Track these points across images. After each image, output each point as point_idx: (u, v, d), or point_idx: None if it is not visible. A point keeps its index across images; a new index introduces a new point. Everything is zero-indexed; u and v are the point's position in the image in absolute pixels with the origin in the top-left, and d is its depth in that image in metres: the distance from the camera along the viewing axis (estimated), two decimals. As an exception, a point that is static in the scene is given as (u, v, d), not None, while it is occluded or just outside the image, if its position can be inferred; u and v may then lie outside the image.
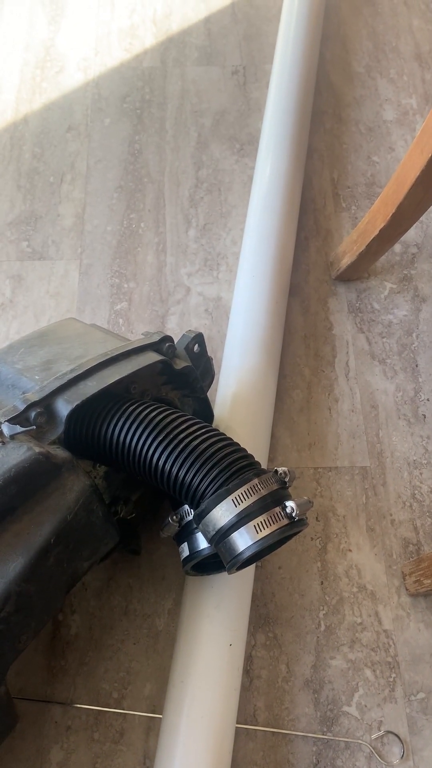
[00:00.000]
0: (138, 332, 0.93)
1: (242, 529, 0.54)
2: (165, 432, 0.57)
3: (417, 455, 0.85)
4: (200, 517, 0.56)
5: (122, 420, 0.58)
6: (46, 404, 0.57)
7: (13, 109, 1.13)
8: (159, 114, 1.13)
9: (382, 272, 0.99)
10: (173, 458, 0.56)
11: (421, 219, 0.88)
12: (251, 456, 0.59)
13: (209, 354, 0.72)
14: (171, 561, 0.78)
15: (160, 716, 0.68)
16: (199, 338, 0.69)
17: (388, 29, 1.24)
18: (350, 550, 0.79)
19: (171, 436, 0.57)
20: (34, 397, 0.56)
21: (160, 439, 0.57)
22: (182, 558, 0.64)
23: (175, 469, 0.57)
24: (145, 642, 0.74)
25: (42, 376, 0.60)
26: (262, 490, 0.55)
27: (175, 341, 0.67)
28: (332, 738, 0.70)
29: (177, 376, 0.67)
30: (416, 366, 0.91)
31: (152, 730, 0.70)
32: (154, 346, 0.65)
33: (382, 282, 0.98)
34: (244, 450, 0.59)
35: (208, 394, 0.73)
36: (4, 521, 0.51)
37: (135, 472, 0.59)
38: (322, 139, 1.11)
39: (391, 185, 0.78)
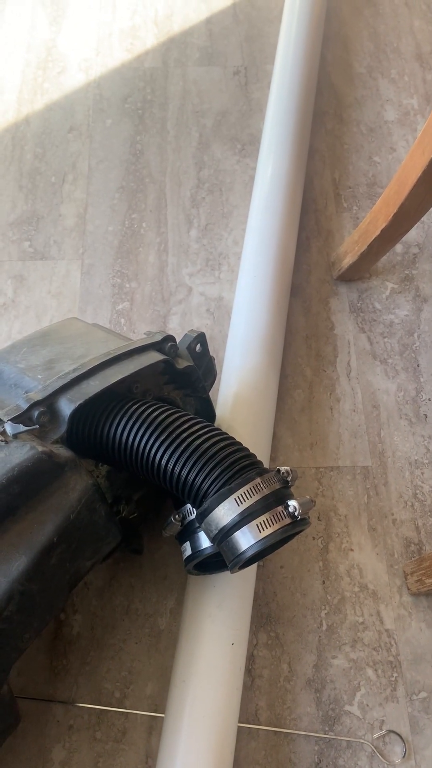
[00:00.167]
0: (140, 332, 0.93)
1: (245, 528, 0.54)
2: (167, 431, 0.57)
3: (418, 455, 0.85)
4: (203, 516, 0.56)
5: (125, 419, 0.58)
6: (48, 403, 0.57)
7: (14, 110, 1.14)
8: (160, 114, 1.13)
9: (384, 272, 0.99)
10: (176, 457, 0.57)
11: (422, 219, 0.88)
12: (253, 455, 0.59)
13: (211, 354, 0.73)
14: (173, 560, 0.78)
15: (162, 715, 0.68)
16: (201, 338, 0.69)
17: (389, 30, 1.24)
18: (352, 550, 0.80)
19: (173, 435, 0.57)
20: (37, 396, 0.56)
21: (162, 438, 0.57)
22: (184, 557, 0.64)
23: (177, 468, 0.57)
24: (147, 641, 0.74)
25: (44, 375, 0.60)
26: (264, 490, 0.55)
27: (177, 341, 0.67)
28: (334, 737, 0.70)
29: (179, 375, 0.67)
30: (418, 366, 0.92)
31: (154, 729, 0.70)
32: (156, 346, 0.65)
33: (384, 282, 0.98)
34: (246, 449, 0.59)
35: (210, 393, 0.73)
36: (6, 520, 0.51)
37: (137, 472, 0.59)
38: (324, 140, 1.11)
39: (393, 185, 0.78)
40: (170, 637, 0.74)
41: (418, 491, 0.83)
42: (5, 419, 0.55)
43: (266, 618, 0.76)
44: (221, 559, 0.60)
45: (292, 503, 0.56)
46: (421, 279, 0.98)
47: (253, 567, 0.72)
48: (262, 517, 0.54)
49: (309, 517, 0.58)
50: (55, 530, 0.53)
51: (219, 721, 0.63)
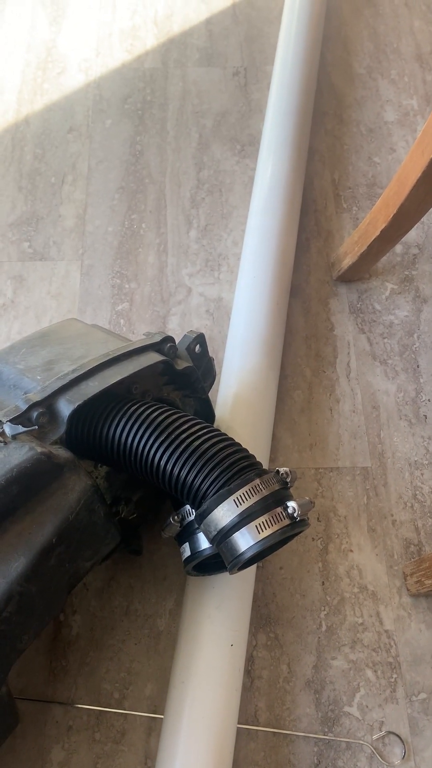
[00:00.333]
0: (139, 333, 0.93)
1: (244, 530, 0.54)
2: (166, 432, 0.57)
3: (418, 456, 0.85)
4: (202, 517, 0.56)
5: (124, 420, 0.58)
6: (48, 404, 0.57)
7: (14, 110, 1.14)
8: (160, 115, 1.13)
9: (383, 273, 0.99)
10: (175, 458, 0.57)
11: (422, 220, 0.88)
12: (253, 456, 0.59)
13: (210, 354, 0.72)
14: (172, 561, 0.78)
15: (162, 716, 0.68)
16: (200, 339, 0.69)
17: (389, 30, 1.24)
18: (351, 551, 0.80)
19: (172, 436, 0.57)
20: (36, 397, 0.56)
21: (161, 439, 0.57)
22: (183, 558, 0.64)
23: (176, 470, 0.57)
24: (147, 642, 0.74)
25: (44, 376, 0.60)
26: (263, 491, 0.55)
27: (177, 342, 0.67)
28: (333, 738, 0.70)
29: (178, 376, 0.67)
30: (417, 367, 0.92)
31: (153, 730, 0.70)
32: (155, 347, 0.65)
33: (384, 283, 0.98)
34: (245, 450, 0.59)
35: (210, 394, 0.73)
36: (5, 521, 0.51)
37: (136, 473, 0.59)
38: (323, 140, 1.11)
39: (393, 186, 0.78)
40: (169, 638, 0.74)
41: (417, 492, 0.83)
42: (4, 420, 0.55)
43: (265, 619, 0.76)
44: (220, 560, 0.60)
45: (292, 504, 0.56)
46: (420, 280, 0.98)
47: (253, 568, 0.72)
48: (261, 518, 0.54)
49: (308, 518, 0.58)
50: (54, 531, 0.53)
51: (218, 722, 0.63)
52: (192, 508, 0.60)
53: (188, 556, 0.63)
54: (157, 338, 0.65)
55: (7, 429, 0.54)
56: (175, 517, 0.62)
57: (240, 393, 0.79)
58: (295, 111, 1.01)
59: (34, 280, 0.98)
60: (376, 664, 0.74)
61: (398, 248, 1.01)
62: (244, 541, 0.54)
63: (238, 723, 0.69)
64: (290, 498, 0.57)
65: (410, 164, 0.73)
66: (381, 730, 0.71)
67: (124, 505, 0.66)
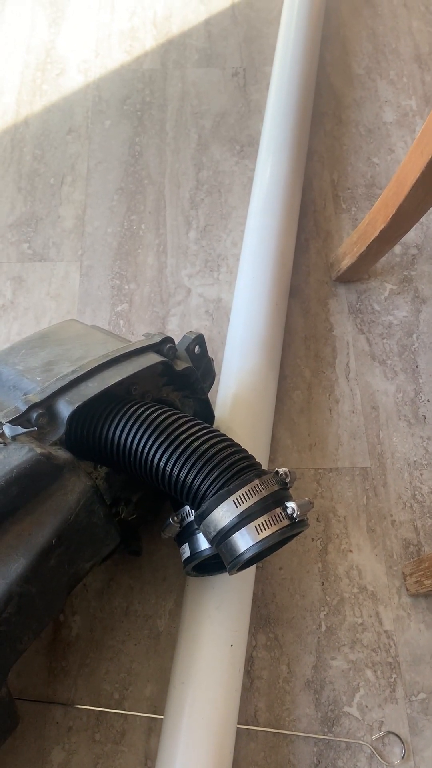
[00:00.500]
0: (139, 333, 0.93)
1: (243, 530, 0.54)
2: (166, 433, 0.57)
3: (417, 456, 0.85)
4: (201, 517, 0.56)
5: (123, 421, 0.58)
6: (47, 405, 0.57)
7: (13, 111, 1.14)
8: (159, 116, 1.13)
9: (383, 273, 0.99)
10: (174, 459, 0.57)
11: (421, 220, 0.88)
12: (252, 457, 0.60)
13: (210, 355, 0.73)
14: (172, 562, 0.78)
15: (161, 717, 0.68)
16: (199, 339, 0.69)
17: (387, 31, 1.24)
18: (351, 551, 0.80)
19: (172, 437, 0.57)
20: (36, 398, 0.56)
21: (161, 440, 0.57)
22: (183, 559, 0.64)
23: (176, 470, 0.57)
24: (146, 643, 0.74)
25: (43, 377, 0.60)
26: (263, 491, 0.55)
27: (176, 342, 0.68)
28: (333, 738, 0.70)
29: (178, 377, 0.67)
30: (416, 367, 0.92)
31: (153, 731, 0.70)
32: (155, 348, 0.65)
33: (383, 283, 0.98)
34: (244, 451, 0.60)
35: (209, 395, 0.73)
36: (5, 522, 0.51)
37: (136, 473, 0.59)
38: (322, 141, 1.11)
39: (391, 187, 0.78)
40: (169, 639, 0.74)
41: (417, 492, 0.83)
42: (4, 421, 0.55)
43: (265, 619, 0.76)
44: (220, 560, 0.60)
45: (291, 505, 0.56)
46: (419, 280, 0.98)
47: (252, 568, 0.72)
48: (261, 519, 0.54)
49: (307, 518, 0.58)
50: (54, 532, 0.53)
51: (218, 722, 0.63)
52: (191, 508, 0.60)
53: (188, 557, 0.63)
54: (157, 339, 0.65)
55: (7, 430, 0.54)
56: (175, 518, 0.62)
57: (239, 393, 0.79)
58: (294, 112, 1.01)
59: (33, 281, 0.98)
60: (376, 664, 0.74)
61: (397, 249, 1.01)
62: (244, 541, 0.54)
63: (238, 723, 0.69)
64: (289, 498, 0.57)
65: (409, 165, 0.73)
66: (381, 730, 0.71)
67: (123, 505, 0.66)
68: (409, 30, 1.24)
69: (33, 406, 0.56)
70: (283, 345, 0.89)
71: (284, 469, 0.58)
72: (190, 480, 0.56)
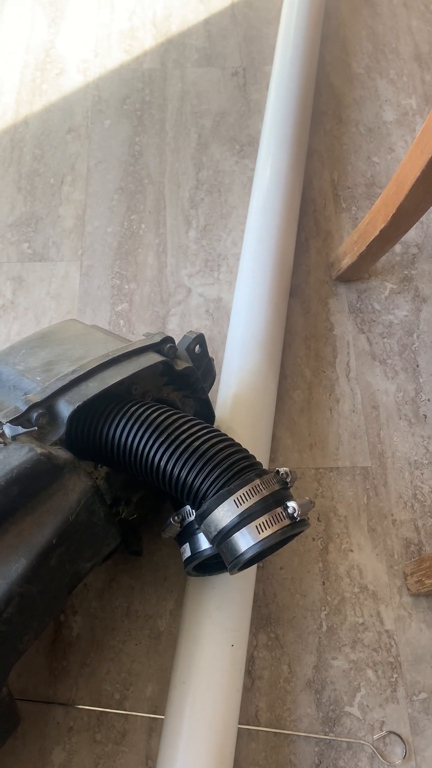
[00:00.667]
0: (139, 333, 0.93)
1: (244, 530, 0.54)
2: (166, 433, 0.57)
3: (418, 455, 0.85)
4: (202, 517, 0.56)
5: (124, 421, 0.58)
6: (47, 405, 0.57)
7: (13, 111, 1.14)
8: (159, 115, 1.13)
9: (383, 273, 0.99)
10: (175, 459, 0.57)
11: (421, 219, 0.88)
12: (252, 456, 0.59)
13: (210, 355, 0.72)
14: (172, 562, 0.78)
15: (162, 717, 0.68)
16: (200, 339, 0.69)
17: (387, 30, 1.24)
18: (352, 551, 0.80)
19: (172, 436, 0.57)
20: (36, 398, 0.56)
21: (161, 440, 0.57)
22: (184, 559, 0.64)
23: (176, 470, 0.57)
24: (147, 643, 0.74)
25: (43, 377, 0.60)
26: (263, 491, 0.55)
27: (176, 342, 0.67)
28: (334, 738, 0.70)
29: (178, 376, 0.67)
30: (417, 366, 0.92)
31: (154, 731, 0.70)
32: (155, 347, 0.65)
33: (383, 282, 0.98)
34: (245, 450, 0.59)
35: (209, 394, 0.73)
36: (5, 522, 0.51)
37: (136, 473, 0.59)
38: (322, 140, 1.11)
39: (392, 186, 0.78)
40: (170, 639, 0.74)
41: (417, 492, 0.83)
42: (4, 421, 0.55)
43: (266, 619, 0.76)
44: (221, 560, 0.60)
45: (292, 504, 0.56)
46: (420, 279, 0.98)
47: (253, 568, 0.72)
48: (262, 519, 0.54)
49: (308, 518, 0.58)
50: (54, 532, 0.53)
51: (219, 722, 0.63)
52: (192, 508, 0.60)
53: (188, 557, 0.63)
54: (157, 339, 0.65)
55: (7, 430, 0.54)
56: (176, 518, 0.62)
57: (240, 393, 0.79)
58: (294, 111, 1.01)
59: (33, 281, 0.98)
60: (377, 663, 0.74)
61: (397, 248, 1.01)
62: (245, 541, 0.54)
63: (239, 723, 0.69)
64: (290, 498, 0.57)
65: (409, 164, 0.73)
66: (382, 730, 0.71)
67: (124, 505, 0.66)
68: (409, 29, 1.24)
69: (33, 406, 0.56)
70: (283, 344, 0.89)
71: (285, 468, 0.58)
72: (191, 480, 0.56)
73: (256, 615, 0.75)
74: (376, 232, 0.83)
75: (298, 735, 0.70)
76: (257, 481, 0.55)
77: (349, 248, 0.92)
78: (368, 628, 0.75)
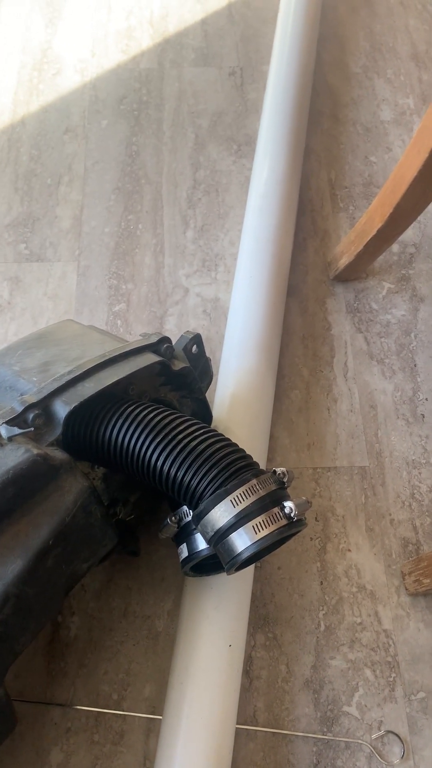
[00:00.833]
0: (136, 333, 0.93)
1: (241, 530, 0.54)
2: (163, 433, 0.57)
3: (416, 455, 0.85)
4: (199, 517, 0.56)
5: (120, 421, 0.58)
6: (44, 406, 0.57)
7: (10, 111, 1.14)
8: (156, 115, 1.13)
9: (380, 272, 0.99)
10: (171, 459, 0.56)
11: (418, 219, 0.88)
12: (249, 456, 0.59)
13: (207, 355, 0.72)
14: (170, 562, 0.78)
15: (160, 717, 0.68)
16: (197, 339, 0.69)
17: (384, 29, 1.24)
18: (349, 550, 0.79)
19: (169, 437, 0.57)
20: (32, 398, 0.56)
21: (158, 440, 0.57)
22: (181, 559, 0.64)
23: (173, 470, 0.56)
24: (145, 643, 0.74)
25: (40, 377, 0.60)
26: (260, 491, 0.55)
27: (174, 342, 0.67)
28: (332, 738, 0.70)
29: (175, 377, 0.67)
30: (414, 366, 0.92)
31: (152, 731, 0.70)
32: (152, 348, 0.65)
33: (380, 282, 0.98)
34: (242, 450, 0.59)
35: (207, 395, 0.73)
36: (2, 523, 0.51)
37: (133, 474, 0.59)
38: (320, 140, 1.11)
39: (389, 185, 0.78)
40: (168, 639, 0.74)
41: (415, 491, 0.83)
42: (0, 422, 0.54)
43: (264, 619, 0.75)
44: (218, 560, 0.60)
45: (288, 504, 0.55)
46: (417, 279, 0.98)
47: (251, 568, 0.72)
48: (258, 519, 0.54)
49: (305, 518, 0.57)
50: (51, 533, 0.53)
51: (217, 722, 0.63)
52: (189, 508, 0.60)
53: (186, 557, 0.63)
54: (154, 339, 0.65)
55: (3, 431, 0.54)
56: (173, 518, 0.62)
57: (237, 393, 0.79)
58: (291, 110, 1.01)
59: (30, 282, 0.98)
60: (375, 663, 0.74)
61: (395, 247, 1.01)
62: (241, 541, 0.54)
63: (237, 723, 0.69)
64: (287, 498, 0.57)
65: (406, 163, 0.73)
66: (380, 730, 0.71)
67: (121, 506, 0.66)
68: (406, 28, 1.24)
69: (29, 407, 0.56)
70: (281, 344, 0.89)
71: (282, 468, 0.58)
72: (188, 480, 0.56)
73: (254, 615, 0.75)
74: (374, 232, 0.83)
75: (296, 735, 0.70)
76: (254, 481, 0.55)
77: (346, 248, 0.92)
78: (366, 628, 0.75)
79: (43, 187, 1.06)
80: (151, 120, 1.13)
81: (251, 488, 0.55)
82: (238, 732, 0.70)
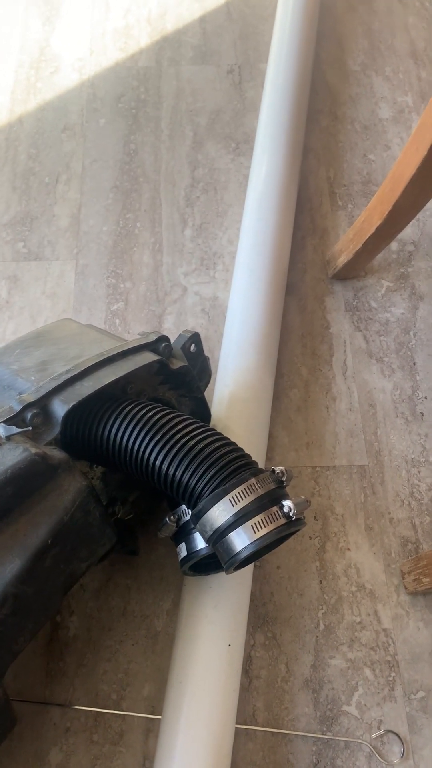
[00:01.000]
0: (134, 332, 0.93)
1: (240, 529, 0.54)
2: (162, 432, 0.57)
3: (415, 453, 0.85)
4: (197, 517, 0.56)
5: (119, 420, 0.58)
6: (42, 405, 0.56)
7: (8, 110, 1.13)
8: (154, 113, 1.13)
9: (379, 270, 0.99)
10: (170, 458, 0.56)
11: (417, 217, 0.87)
12: (248, 455, 0.59)
13: (206, 353, 0.72)
14: (169, 561, 0.78)
15: (159, 717, 0.68)
16: (195, 338, 0.69)
17: (383, 27, 1.24)
18: (349, 549, 0.79)
19: (168, 436, 0.57)
20: (30, 398, 0.56)
21: (156, 439, 0.57)
22: (180, 558, 0.64)
23: (172, 469, 0.56)
24: (144, 643, 0.74)
25: (38, 376, 0.59)
26: (259, 490, 0.55)
27: (172, 341, 0.67)
28: (332, 738, 0.70)
29: (174, 376, 0.66)
30: (414, 364, 0.91)
31: (151, 731, 0.70)
32: (150, 346, 0.65)
33: (379, 280, 0.98)
34: (241, 449, 0.59)
35: (206, 393, 0.73)
36: (0, 523, 0.51)
37: (132, 473, 0.59)
38: (318, 138, 1.11)
39: (387, 183, 0.78)
40: (167, 639, 0.74)
41: (414, 490, 0.83)
42: (-2, 421, 0.54)
43: (263, 618, 0.75)
44: (217, 559, 0.60)
45: (287, 503, 0.55)
46: (416, 277, 0.98)
47: (250, 567, 0.72)
48: (257, 518, 0.54)
49: (304, 517, 0.57)
50: (49, 532, 0.53)
51: (216, 722, 0.63)
52: (188, 507, 0.60)
53: (185, 556, 0.63)
54: (152, 338, 0.65)
55: (1, 430, 0.54)
56: (171, 517, 0.62)
57: (236, 392, 0.78)
58: (290, 108, 1.01)
59: (28, 280, 0.97)
60: (375, 662, 0.74)
61: (394, 245, 1.00)
62: (240, 540, 0.54)
63: (237, 723, 0.68)
64: (286, 497, 0.57)
65: (405, 161, 0.73)
66: (380, 729, 0.71)
67: (120, 505, 0.66)
68: (405, 26, 1.24)
69: (28, 406, 0.55)
70: (279, 343, 0.89)
71: (280, 467, 0.58)
72: (186, 479, 0.56)
73: (253, 614, 0.75)
74: (373, 230, 0.83)
75: (295, 734, 0.70)
76: (253, 480, 0.55)
77: (345, 246, 0.92)
78: (366, 627, 0.75)
79: (41, 185, 1.06)
80: (149, 118, 1.12)
81: (250, 487, 0.55)
82: (237, 732, 0.69)
